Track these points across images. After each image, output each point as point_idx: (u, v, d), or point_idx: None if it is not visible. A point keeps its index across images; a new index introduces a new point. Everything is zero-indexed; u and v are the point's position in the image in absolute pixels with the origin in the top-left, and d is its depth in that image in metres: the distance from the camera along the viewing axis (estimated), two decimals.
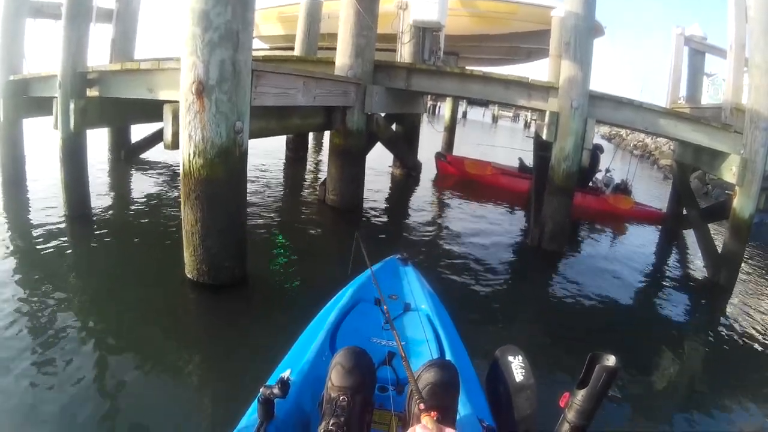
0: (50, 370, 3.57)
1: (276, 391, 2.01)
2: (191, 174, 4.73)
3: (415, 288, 3.55)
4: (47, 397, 3.28)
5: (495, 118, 51.01)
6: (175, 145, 4.98)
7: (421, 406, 1.74)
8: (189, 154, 4.71)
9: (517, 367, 2.53)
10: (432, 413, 1.70)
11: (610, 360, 1.94)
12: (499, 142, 22.61)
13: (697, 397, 4.77)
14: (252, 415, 2.18)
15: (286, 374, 2.08)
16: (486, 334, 4.85)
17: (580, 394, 1.98)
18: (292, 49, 13.36)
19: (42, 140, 9.56)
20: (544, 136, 7.90)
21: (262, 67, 5.49)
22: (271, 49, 16.81)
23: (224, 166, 4.74)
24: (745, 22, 7.75)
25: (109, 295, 4.87)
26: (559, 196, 7.87)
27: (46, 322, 4.25)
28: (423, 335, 2.95)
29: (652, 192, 14.63)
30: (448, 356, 2.78)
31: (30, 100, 8.54)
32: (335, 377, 2.07)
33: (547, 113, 7.80)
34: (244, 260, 5.33)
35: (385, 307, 2.87)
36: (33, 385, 3.38)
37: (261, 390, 2.04)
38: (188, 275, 5.09)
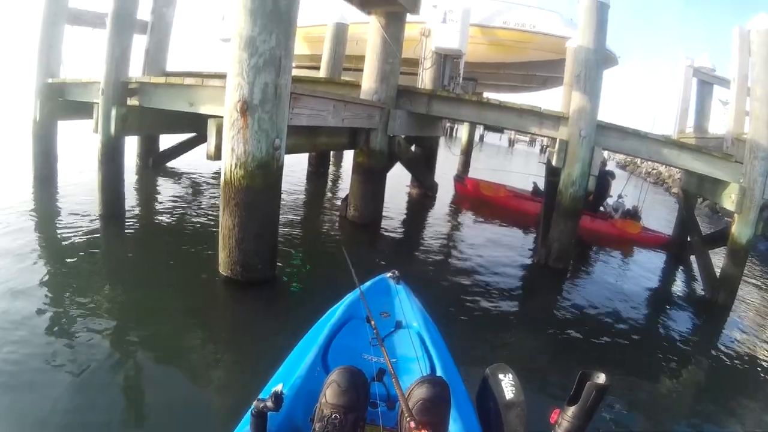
0: (89, 356, 3.96)
1: (269, 404, 2.06)
2: (232, 183, 5.24)
3: (406, 306, 3.56)
4: (85, 384, 3.61)
5: (511, 142, 51.27)
6: (217, 156, 5.47)
7: (411, 424, 1.78)
8: (231, 166, 5.21)
9: (507, 384, 2.59)
10: (422, 430, 1.74)
11: (600, 378, 2.00)
12: (515, 166, 22.97)
13: (695, 408, 5.10)
14: (244, 427, 2.27)
15: (279, 388, 2.13)
16: (487, 345, 5.24)
17: (570, 411, 2.04)
18: (317, 68, 13.86)
19: (73, 142, 10.13)
20: (553, 163, 8.32)
21: (300, 90, 6.03)
22: (297, 67, 17.35)
23: (262, 178, 5.25)
24: (749, 55, 8.16)
25: (145, 289, 5.36)
26: (566, 218, 8.27)
27: (88, 309, 4.76)
28: (414, 353, 3.00)
29: (666, 217, 14.84)
30: (439, 373, 2.85)
31: (66, 103, 9.23)
32: (330, 395, 2.09)
33: (557, 141, 8.22)
34: (274, 262, 5.85)
35: (373, 323, 2.88)
36: (68, 375, 3.69)
37: (254, 403, 2.10)
38: (222, 272, 5.59)
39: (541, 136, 10.02)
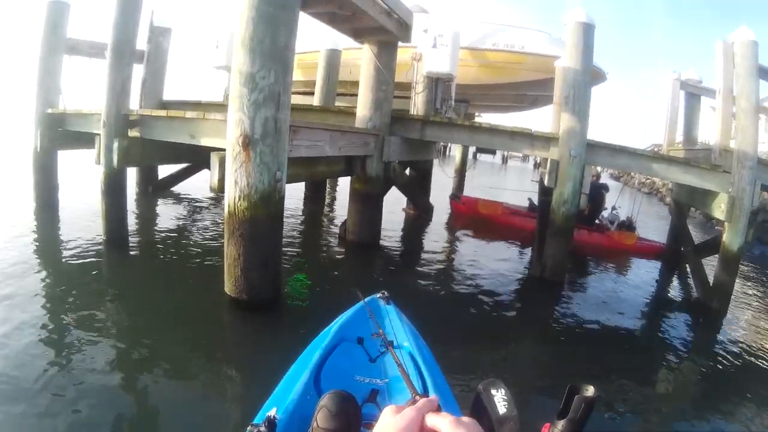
0: (99, 375, 4.14)
1: (263, 429, 2.11)
2: (236, 215, 5.44)
3: (397, 326, 3.59)
4: (91, 403, 3.77)
5: (505, 159, 51.79)
6: (221, 188, 5.67)
7: None
8: (234, 198, 5.42)
9: (500, 399, 2.60)
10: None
11: (589, 390, 2.03)
12: (509, 183, 23.22)
13: (692, 411, 5.33)
14: None
15: (272, 413, 2.19)
16: (482, 360, 5.42)
17: (561, 424, 2.07)
18: (311, 93, 14.06)
19: (72, 170, 10.36)
20: (546, 182, 8.56)
21: (298, 123, 6.26)
22: (292, 93, 17.50)
23: (265, 209, 5.45)
24: (733, 67, 8.35)
25: (151, 311, 5.59)
26: (560, 235, 8.47)
27: (95, 327, 4.93)
28: (406, 374, 3.00)
29: (660, 227, 15.04)
30: (431, 392, 2.88)
31: (66, 133, 9.43)
32: (321, 419, 2.12)
33: (549, 161, 8.46)
34: (278, 286, 6.03)
35: (364, 344, 2.98)
36: (75, 392, 3.85)
37: (248, 428, 2.14)
38: (229, 293, 5.78)
39: (534, 155, 10.24)
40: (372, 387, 2.84)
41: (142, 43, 10.11)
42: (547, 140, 8.67)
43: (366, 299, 3.72)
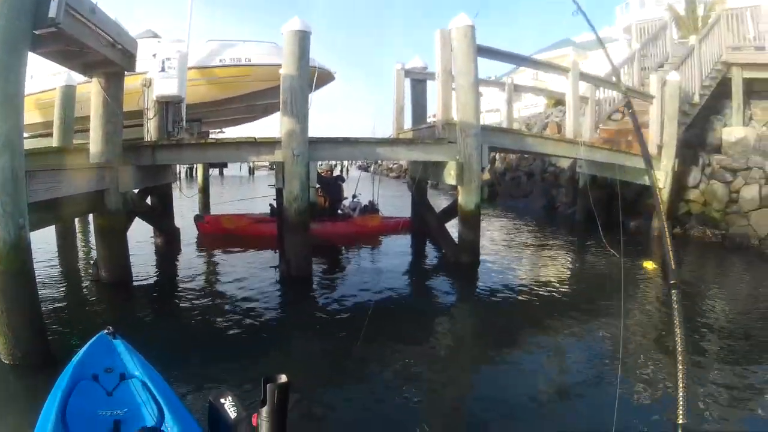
0: None
1: None
2: None
3: (126, 358, 3.74)
4: None
5: (252, 170, 51.79)
6: None
7: None
8: None
9: (229, 406, 2.87)
10: None
11: (281, 378, 2.35)
12: (259, 191, 23.47)
13: (468, 358, 6.45)
14: None
15: None
16: (229, 368, 5.57)
17: (264, 412, 2.36)
18: (51, 134, 12.82)
19: None
20: (275, 184, 9.20)
21: (34, 167, 6.02)
22: (31, 137, 15.54)
23: (15, 262, 5.17)
24: (451, 50, 9.80)
25: None
26: (297, 232, 9.10)
27: None
28: (141, 400, 3.31)
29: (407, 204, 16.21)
30: (167, 414, 3.17)
31: None
32: None
33: (275, 164, 9.09)
34: (46, 342, 5.67)
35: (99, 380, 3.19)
36: None
37: None
38: (5, 361, 5.33)
39: (262, 161, 10.83)
40: (114, 419, 3.10)
41: None
42: (272, 144, 9.27)
43: (94, 337, 3.92)
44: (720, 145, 14.31)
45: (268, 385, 2.31)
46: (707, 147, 14.44)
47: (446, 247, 11.07)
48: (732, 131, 14.24)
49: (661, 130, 13.23)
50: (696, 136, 14.82)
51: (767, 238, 11.93)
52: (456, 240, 10.46)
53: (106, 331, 3.96)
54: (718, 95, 15.42)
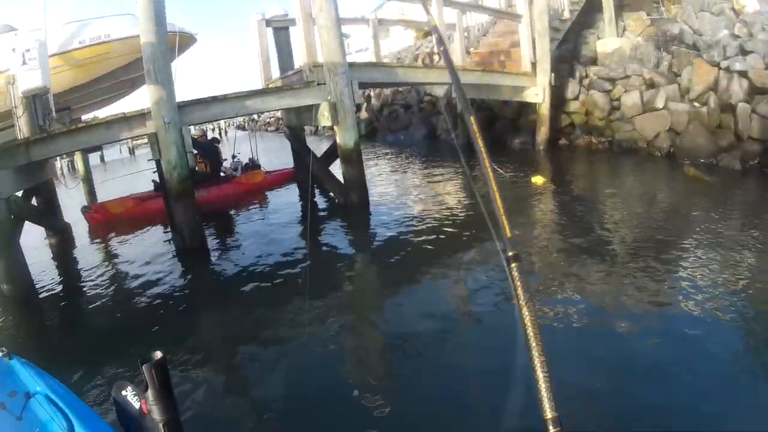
0: None
1: None
2: None
3: (25, 376, 3.63)
4: None
5: (132, 151, 49.28)
6: None
7: None
8: None
9: (131, 397, 2.80)
10: None
11: (156, 355, 2.22)
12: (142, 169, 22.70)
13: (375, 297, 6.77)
14: None
15: None
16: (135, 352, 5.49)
17: (150, 395, 2.24)
18: None
19: None
20: (152, 156, 9.02)
21: None
22: None
23: None
24: None
25: None
26: (182, 200, 8.99)
27: None
28: (49, 415, 3.18)
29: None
30: (76, 423, 3.07)
31: None
32: None
33: (148, 136, 8.90)
34: None
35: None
36: None
37: None
38: None
39: (135, 137, 10.47)
40: None
41: None
42: (142, 117, 8.95)
43: None
44: (595, 57, 14.69)
45: (143, 366, 2.18)
46: (582, 59, 14.87)
47: (333, 190, 11.21)
48: (606, 42, 14.62)
49: (534, 48, 13.77)
50: (570, 51, 15.32)
51: (654, 139, 12.28)
52: (342, 181, 10.59)
53: (0, 354, 3.78)
54: (590, 9, 15.76)
